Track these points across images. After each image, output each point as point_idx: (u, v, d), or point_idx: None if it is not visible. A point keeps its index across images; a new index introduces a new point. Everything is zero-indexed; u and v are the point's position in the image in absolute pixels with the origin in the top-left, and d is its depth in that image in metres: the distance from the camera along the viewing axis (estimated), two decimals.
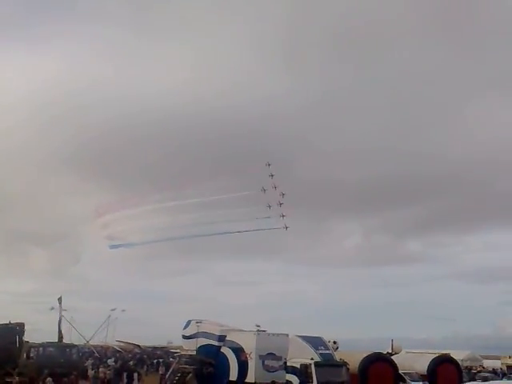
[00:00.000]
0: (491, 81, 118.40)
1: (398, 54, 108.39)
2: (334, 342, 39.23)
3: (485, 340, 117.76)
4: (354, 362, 36.84)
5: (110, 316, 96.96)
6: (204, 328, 39.62)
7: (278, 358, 35.45)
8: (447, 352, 64.27)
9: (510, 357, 70.90)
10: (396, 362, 40.73)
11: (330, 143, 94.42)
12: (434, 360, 44.41)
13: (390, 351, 60.02)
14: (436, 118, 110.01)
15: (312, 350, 33.23)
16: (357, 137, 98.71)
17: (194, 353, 39.63)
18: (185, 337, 41.58)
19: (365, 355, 38.99)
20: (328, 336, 37.90)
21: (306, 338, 34.74)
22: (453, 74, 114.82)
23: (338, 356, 35.15)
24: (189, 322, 41.25)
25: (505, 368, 70.74)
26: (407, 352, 61.58)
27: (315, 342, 34.28)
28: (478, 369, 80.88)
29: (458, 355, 72.94)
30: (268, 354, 35.85)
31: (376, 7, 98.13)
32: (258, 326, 38.57)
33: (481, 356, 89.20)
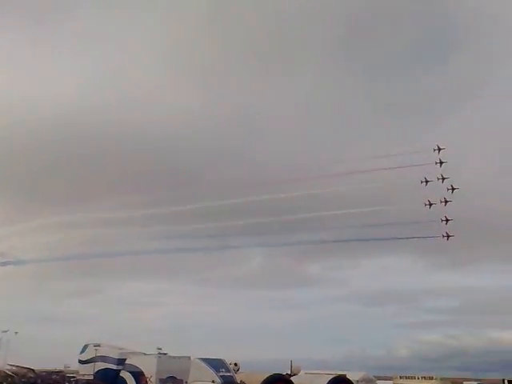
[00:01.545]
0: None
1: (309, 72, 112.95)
2: (236, 364, 39.54)
3: (378, 361, 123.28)
4: (255, 383, 37.22)
5: (1, 338, 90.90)
6: (102, 352, 38.54)
7: (179, 382, 35.22)
8: (343, 373, 66.55)
9: (400, 377, 74.52)
10: (295, 382, 41.62)
11: (239, 160, 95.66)
12: (330, 381, 45.86)
13: (290, 372, 61.05)
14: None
15: (213, 373, 33.34)
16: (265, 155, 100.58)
17: (92, 377, 38.34)
18: (81, 361, 40.22)
19: (266, 376, 39.50)
20: (230, 358, 38.15)
21: (208, 361, 34.77)
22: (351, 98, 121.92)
23: (238, 378, 35.46)
24: (85, 347, 39.95)
25: None
26: (306, 373, 62.95)
27: (216, 365, 34.41)
28: None
29: (353, 376, 75.65)
30: (169, 377, 35.48)
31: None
32: (160, 349, 38.11)
33: (374, 376, 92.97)
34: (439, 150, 59.99)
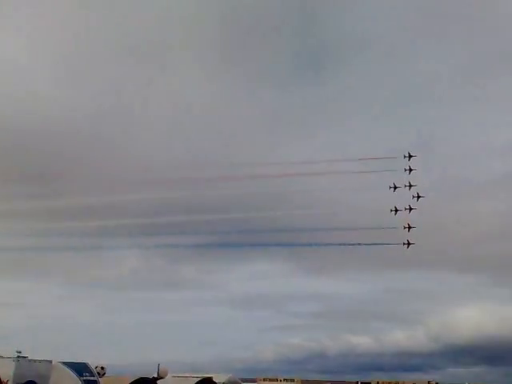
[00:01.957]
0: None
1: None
2: (102, 368, 38.68)
3: (245, 363, 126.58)
4: None
5: None
6: None
7: None
8: (210, 375, 67.63)
9: (264, 379, 77.32)
10: None
11: (114, 156, 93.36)
12: (197, 383, 46.53)
13: (156, 375, 60.74)
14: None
15: (76, 377, 32.45)
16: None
17: None
18: None
19: (131, 380, 39.12)
20: (96, 361, 37.24)
21: (71, 365, 33.76)
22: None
23: (104, 382, 34.80)
24: None
25: None
26: (173, 376, 63.01)
27: (80, 369, 33.53)
28: None
29: (219, 378, 77.16)
30: (27, 381, 33.83)
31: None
32: (19, 352, 36.15)
33: (240, 379, 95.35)
34: (410, 157, 60.61)
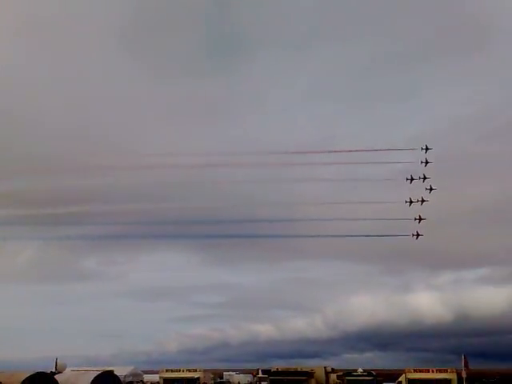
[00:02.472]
0: None
1: None
2: None
3: (148, 355, 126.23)
4: (15, 383, 36.03)
5: None
6: None
7: None
8: (111, 368, 67.27)
9: (166, 370, 77.84)
10: (59, 380, 41.25)
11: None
12: (96, 377, 46.50)
13: (54, 370, 59.61)
14: None
15: None
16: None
17: None
18: None
19: (27, 375, 38.45)
20: None
21: None
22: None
23: None
24: None
25: (162, 381, 77.19)
26: (72, 370, 62.12)
27: None
28: (139, 383, 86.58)
29: (121, 371, 76.96)
30: None
31: None
32: None
33: (143, 371, 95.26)
34: (427, 149, 61.68)
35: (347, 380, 75.33)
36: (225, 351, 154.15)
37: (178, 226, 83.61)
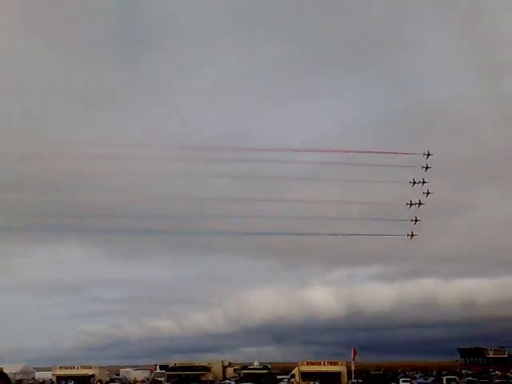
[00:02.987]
0: None
1: None
2: None
3: (41, 352, 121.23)
4: None
5: None
6: None
7: None
8: (0, 366, 64.36)
9: (60, 367, 75.68)
10: None
11: None
12: None
13: None
14: None
15: None
16: None
17: None
18: None
19: None
20: None
21: None
22: None
23: None
24: None
25: (54, 378, 74.98)
26: None
27: None
28: (30, 381, 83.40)
29: (11, 369, 73.68)
30: None
31: None
32: None
33: (36, 368, 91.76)
34: (428, 155, 65.16)
35: (244, 373, 77.36)
36: (123, 347, 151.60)
37: (77, 219, 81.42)
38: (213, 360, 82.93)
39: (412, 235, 65.13)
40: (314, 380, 63.59)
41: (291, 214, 79.79)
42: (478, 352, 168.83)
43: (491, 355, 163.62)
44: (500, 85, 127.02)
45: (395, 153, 67.22)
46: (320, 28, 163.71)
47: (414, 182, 65.20)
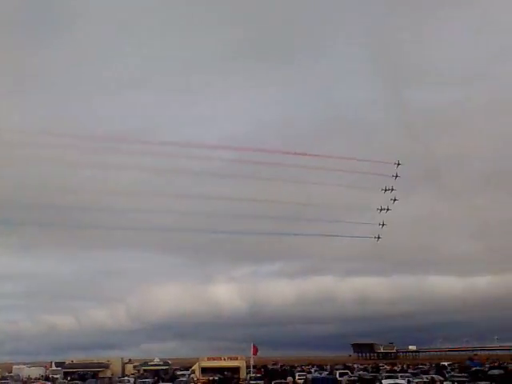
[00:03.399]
0: None
1: None
2: None
3: None
4: None
5: None
6: None
7: None
8: None
9: None
10: None
11: None
12: None
13: None
14: None
15: None
16: None
17: None
18: None
19: None
20: None
21: None
22: None
23: None
24: None
25: None
26: None
27: None
28: None
29: None
30: None
31: None
32: None
33: None
34: (398, 164, 72.43)
35: (143, 370, 76.81)
36: (19, 344, 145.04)
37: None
38: (112, 357, 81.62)
39: (378, 237, 74.61)
40: (214, 375, 64.62)
41: (199, 210, 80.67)
42: (370, 347, 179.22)
43: (381, 350, 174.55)
44: (401, 94, 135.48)
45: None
46: (240, 25, 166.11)
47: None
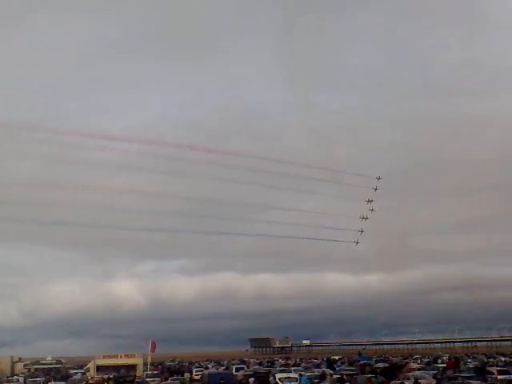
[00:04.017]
0: None
1: None
2: None
3: None
4: None
5: None
6: None
7: None
8: None
9: None
10: None
11: None
12: None
13: None
14: None
15: None
16: None
17: None
18: None
19: None
20: None
21: None
22: None
23: None
24: None
25: None
26: None
27: None
28: None
29: None
30: None
31: None
32: None
33: None
34: (378, 178, 79.65)
35: (34, 369, 73.89)
36: None
37: None
38: (0, 355, 77.94)
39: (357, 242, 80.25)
40: (110, 373, 63.56)
41: (100, 203, 78.68)
42: (266, 342, 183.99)
43: (277, 345, 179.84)
44: (307, 96, 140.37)
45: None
46: (153, 20, 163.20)
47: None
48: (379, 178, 79.95)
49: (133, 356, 69.67)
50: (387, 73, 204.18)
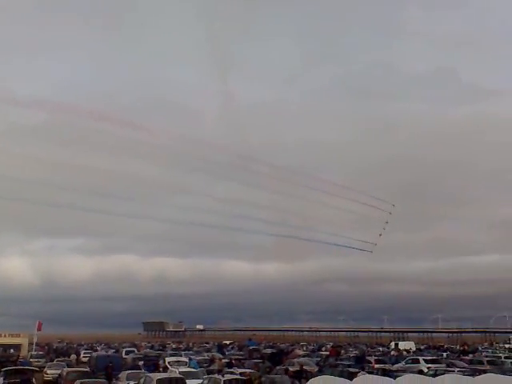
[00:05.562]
0: None
1: None
2: None
3: None
4: None
5: None
6: None
7: None
8: None
9: None
10: None
11: None
12: None
13: None
14: None
15: None
16: None
17: None
18: None
19: None
20: None
21: None
22: None
23: None
24: None
25: None
26: None
27: None
28: None
29: None
30: None
31: None
32: None
33: None
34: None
35: None
36: None
37: None
38: None
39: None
40: None
41: None
42: (160, 326, 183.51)
43: (171, 329, 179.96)
44: (225, 81, 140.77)
45: None
46: None
47: None
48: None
49: (18, 335, 67.39)
50: (304, 68, 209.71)
